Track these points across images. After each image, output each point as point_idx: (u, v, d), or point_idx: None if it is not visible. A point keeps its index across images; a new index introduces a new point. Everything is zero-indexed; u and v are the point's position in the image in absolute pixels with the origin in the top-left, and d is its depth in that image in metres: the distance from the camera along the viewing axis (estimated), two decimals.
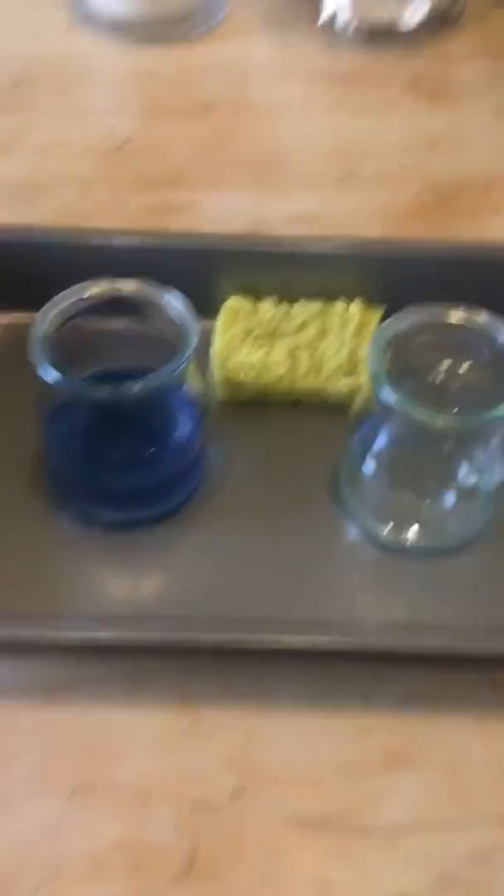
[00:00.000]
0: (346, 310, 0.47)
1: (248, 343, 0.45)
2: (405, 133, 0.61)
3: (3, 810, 0.34)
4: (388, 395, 0.36)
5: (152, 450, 0.40)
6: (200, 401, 0.41)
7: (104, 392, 0.35)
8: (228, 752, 0.35)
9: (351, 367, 0.45)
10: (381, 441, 0.40)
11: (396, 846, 0.33)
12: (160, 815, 0.33)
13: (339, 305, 0.47)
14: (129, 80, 0.64)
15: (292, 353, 0.45)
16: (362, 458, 0.40)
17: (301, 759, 0.35)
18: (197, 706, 0.36)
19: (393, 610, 0.39)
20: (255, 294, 0.48)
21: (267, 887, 0.32)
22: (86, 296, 0.39)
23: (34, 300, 0.43)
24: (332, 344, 0.45)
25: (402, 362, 0.40)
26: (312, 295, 0.47)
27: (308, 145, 0.60)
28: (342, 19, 0.66)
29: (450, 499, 0.41)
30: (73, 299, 0.38)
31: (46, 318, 0.37)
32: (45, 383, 0.36)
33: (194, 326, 0.38)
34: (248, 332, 0.45)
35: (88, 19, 0.67)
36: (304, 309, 0.47)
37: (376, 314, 0.47)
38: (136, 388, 0.36)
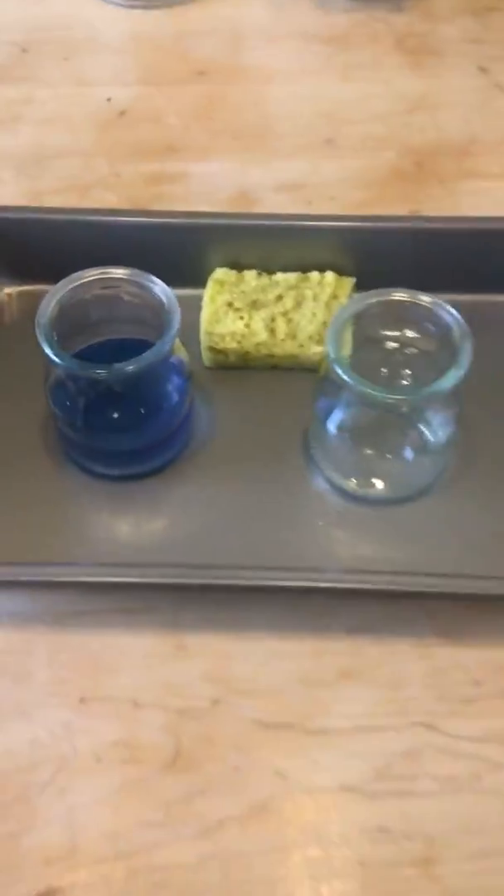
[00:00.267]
0: (321, 281, 0.52)
1: (231, 313, 0.51)
2: (388, 96, 0.64)
3: (23, 715, 0.41)
4: (345, 375, 0.41)
5: (144, 414, 0.46)
6: (187, 368, 0.47)
7: (100, 372, 0.41)
8: (207, 669, 0.42)
9: (322, 336, 0.50)
10: (341, 406, 0.45)
11: (342, 745, 0.40)
12: (151, 719, 0.41)
13: (315, 277, 0.52)
14: (128, 46, 0.68)
15: (271, 322, 0.50)
16: (326, 421, 0.46)
17: (267, 675, 0.42)
18: (182, 632, 0.43)
19: (352, 553, 0.45)
20: (239, 265, 0.53)
21: (236, 776, 0.40)
22: (82, 282, 0.44)
23: (45, 273, 0.50)
24: (306, 313, 0.51)
25: (361, 335, 0.46)
26: (291, 266, 0.52)
27: (294, 111, 0.63)
28: None
29: (407, 454, 0.47)
30: (71, 286, 0.44)
31: (49, 305, 0.43)
32: (49, 362, 0.42)
33: (177, 308, 0.44)
34: (230, 304, 0.51)
35: None
36: (284, 279, 0.52)
37: (348, 284, 0.52)
38: (127, 367, 0.41)
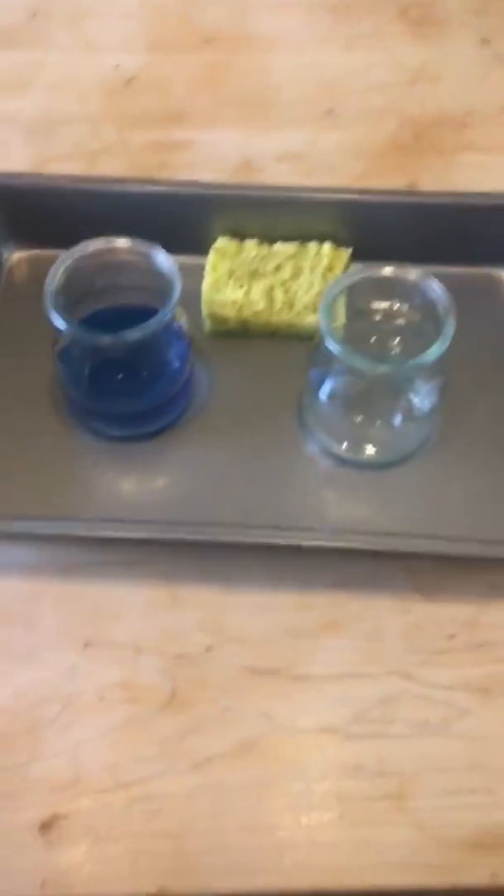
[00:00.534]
0: (318, 252, 0.54)
1: (232, 282, 0.53)
2: (390, 66, 0.66)
3: (32, 658, 0.45)
4: (334, 347, 0.44)
5: (146, 379, 0.48)
6: (187, 334, 0.49)
7: (105, 339, 0.44)
8: (201, 619, 0.45)
9: (318, 306, 0.52)
10: (333, 375, 0.48)
11: (324, 690, 0.44)
12: (149, 663, 0.44)
13: (312, 247, 0.54)
14: (136, 11, 0.69)
15: (269, 292, 0.53)
16: (318, 389, 0.48)
17: (257, 625, 0.45)
18: (178, 584, 0.46)
19: (341, 513, 0.48)
20: (241, 234, 0.55)
21: (226, 715, 0.43)
22: (87, 252, 0.46)
23: (53, 238, 0.52)
24: (303, 284, 0.53)
25: (352, 307, 0.48)
26: (290, 236, 0.54)
27: (297, 81, 0.65)
28: None
29: (396, 421, 0.49)
30: (76, 256, 0.46)
31: (55, 274, 0.45)
32: (56, 329, 0.45)
33: (178, 278, 0.46)
34: (231, 273, 0.53)
35: None
36: (283, 249, 0.54)
37: (344, 255, 0.54)
38: (130, 335, 0.44)
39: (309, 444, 0.50)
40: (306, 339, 0.52)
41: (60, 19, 0.68)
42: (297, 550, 0.46)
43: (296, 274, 0.53)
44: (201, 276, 0.53)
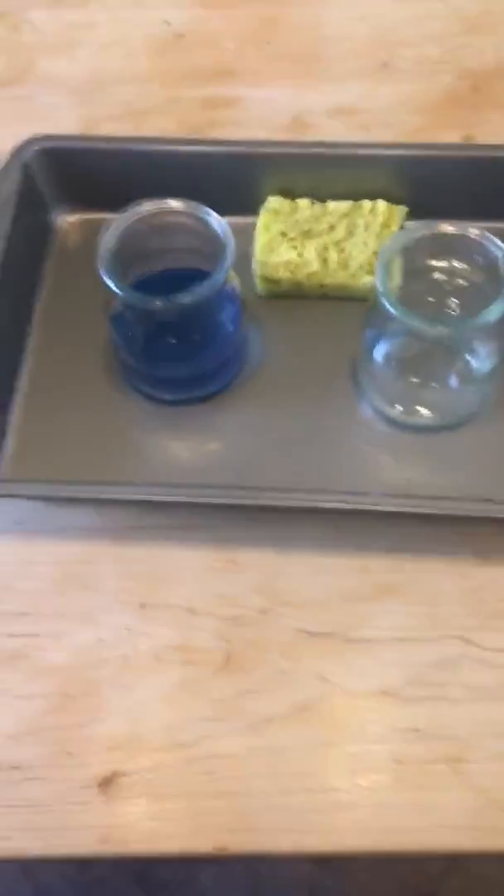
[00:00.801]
0: (372, 209, 0.53)
1: (285, 243, 0.52)
2: (445, 16, 0.63)
3: (92, 619, 0.45)
4: (392, 308, 0.43)
5: (199, 343, 0.48)
6: (240, 297, 0.49)
7: (157, 303, 0.44)
8: (257, 582, 0.46)
9: (373, 266, 0.51)
10: (388, 337, 0.47)
11: (380, 653, 0.44)
12: (205, 625, 0.45)
13: (366, 205, 0.53)
14: None
15: (323, 252, 0.52)
16: (373, 350, 0.48)
17: (312, 588, 0.45)
18: (234, 548, 0.46)
19: (396, 476, 0.48)
20: (293, 193, 0.54)
21: (282, 678, 0.43)
22: (141, 215, 0.46)
23: (105, 201, 0.52)
24: (357, 243, 0.52)
25: (409, 266, 0.47)
26: (344, 194, 0.53)
27: (350, 33, 0.63)
28: None
29: (453, 383, 0.49)
30: (130, 219, 0.46)
31: (109, 238, 0.45)
32: (109, 293, 0.44)
33: (231, 241, 0.45)
34: (284, 234, 0.52)
35: None
36: (336, 208, 0.53)
37: (399, 213, 0.53)
38: (183, 299, 0.44)
39: (363, 406, 0.50)
40: (360, 300, 0.51)
41: None
42: (352, 514, 0.46)
43: (350, 233, 0.52)
44: (252, 237, 0.52)
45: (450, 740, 0.42)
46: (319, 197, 0.54)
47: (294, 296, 0.53)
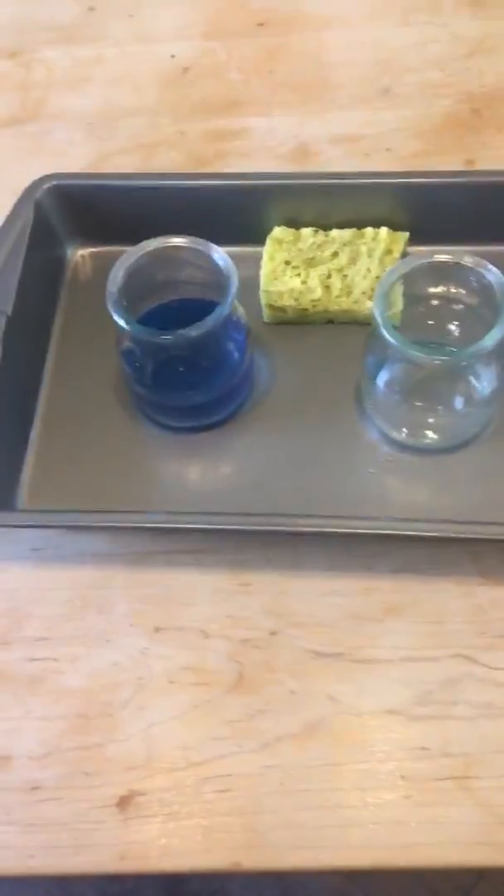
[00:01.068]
0: (375, 237, 0.54)
1: (289, 271, 0.53)
2: (447, 41, 0.64)
3: (106, 642, 0.47)
4: (391, 338, 0.44)
5: (207, 371, 0.49)
6: (246, 325, 0.50)
7: (165, 338, 0.45)
8: (267, 604, 0.47)
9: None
10: (390, 363, 0.48)
11: (388, 673, 0.45)
12: (217, 647, 0.46)
13: (369, 232, 0.54)
14: None
15: (326, 279, 0.53)
16: (376, 377, 0.49)
17: (321, 610, 0.46)
18: (244, 571, 0.48)
19: (403, 499, 0.49)
20: (297, 223, 0.55)
21: (292, 698, 0.45)
22: (146, 251, 0.48)
23: (115, 234, 0.54)
24: (360, 269, 0.53)
25: (409, 292, 0.48)
26: (347, 222, 0.55)
27: (352, 59, 0.64)
28: None
29: (458, 405, 0.49)
30: (136, 256, 0.47)
31: (117, 275, 0.47)
32: (120, 329, 0.46)
33: (234, 273, 0.47)
34: (288, 262, 0.54)
35: None
36: (339, 235, 0.54)
37: (402, 239, 0.54)
38: (190, 333, 0.45)
39: (369, 429, 0.51)
40: (365, 325, 0.52)
41: (117, 12, 0.69)
42: (361, 538, 0.47)
43: (353, 259, 0.53)
44: (259, 266, 0.54)
45: (457, 757, 0.43)
46: (324, 225, 0.55)
47: (300, 322, 0.54)
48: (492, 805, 0.42)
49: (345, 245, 0.54)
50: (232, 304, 0.47)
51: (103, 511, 0.48)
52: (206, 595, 0.47)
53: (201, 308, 0.46)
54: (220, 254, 0.47)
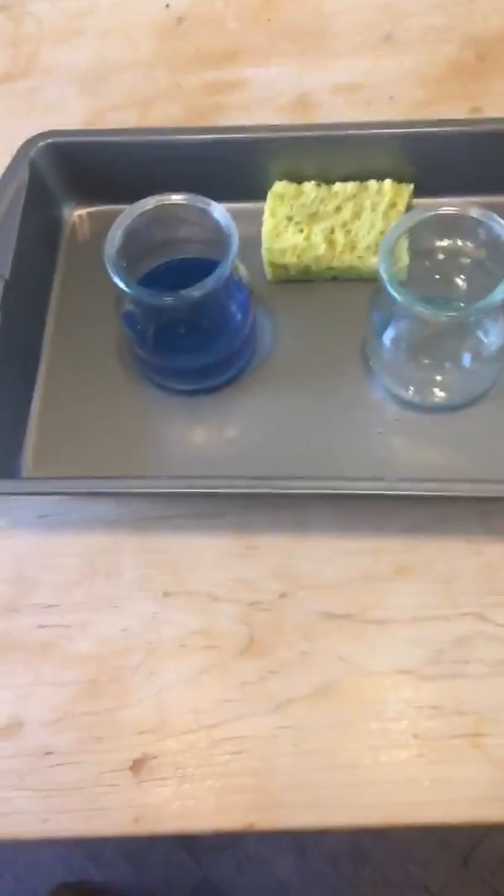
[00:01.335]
0: (379, 190, 0.53)
1: (291, 228, 0.52)
2: None
3: (116, 608, 0.47)
4: (396, 295, 0.43)
5: (210, 333, 0.48)
6: (248, 285, 0.49)
7: (166, 300, 0.44)
8: (275, 566, 0.47)
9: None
10: (396, 320, 0.47)
11: (398, 633, 0.45)
12: (226, 610, 0.46)
13: (373, 185, 0.53)
14: None
15: (330, 235, 0.52)
16: (382, 334, 0.48)
17: (329, 571, 0.46)
18: (251, 534, 0.47)
19: (410, 458, 0.48)
20: (299, 177, 0.54)
21: (303, 659, 0.45)
22: (143, 211, 0.46)
23: (112, 193, 0.53)
24: (364, 224, 0.52)
25: (415, 247, 0.47)
26: (350, 175, 0.53)
27: (352, 5, 0.62)
28: None
29: (466, 362, 0.48)
30: (133, 215, 0.46)
31: (115, 236, 0.46)
32: (119, 291, 0.45)
33: (235, 231, 0.45)
34: (290, 218, 0.52)
35: None
36: (342, 189, 0.53)
37: (406, 191, 0.53)
38: (191, 293, 0.44)
39: (376, 389, 0.50)
40: (370, 281, 0.51)
41: None
42: (368, 498, 0.46)
43: (357, 214, 0.52)
44: (261, 222, 0.52)
45: (469, 715, 0.43)
46: (327, 178, 0.53)
47: (303, 280, 0.53)
48: (502, 760, 0.42)
49: (348, 199, 0.53)
50: (233, 264, 0.46)
51: (109, 477, 0.48)
52: (213, 559, 0.47)
53: (203, 267, 0.45)
54: (220, 211, 0.46)
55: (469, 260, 0.47)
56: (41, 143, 0.54)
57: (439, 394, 0.49)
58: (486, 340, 0.48)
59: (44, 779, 0.43)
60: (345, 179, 0.53)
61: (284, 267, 0.52)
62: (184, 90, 0.61)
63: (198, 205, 0.46)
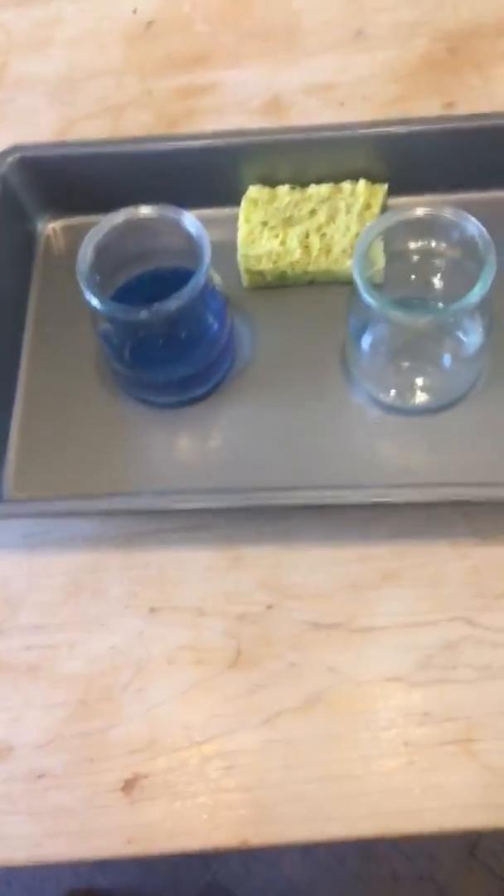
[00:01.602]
0: (353, 191, 0.52)
1: (266, 233, 0.52)
2: None
3: (102, 625, 0.46)
4: (371, 301, 0.42)
5: (187, 344, 0.48)
6: (224, 294, 0.49)
7: (141, 314, 0.44)
8: (261, 578, 0.46)
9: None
10: (373, 324, 0.47)
11: (387, 640, 0.44)
12: (213, 624, 0.46)
13: (347, 187, 0.52)
14: None
15: (305, 239, 0.51)
16: (360, 338, 0.47)
17: (316, 580, 0.46)
18: (237, 546, 0.47)
19: (393, 462, 0.48)
20: (273, 180, 0.53)
21: (292, 671, 0.44)
22: (114, 225, 0.46)
23: (86, 204, 0.52)
24: (339, 227, 0.51)
25: (390, 249, 0.47)
26: (324, 176, 0.53)
27: (321, 4, 0.61)
28: None
29: (446, 362, 0.48)
30: (104, 230, 0.46)
31: (86, 253, 0.45)
32: (93, 308, 0.45)
33: (207, 241, 0.45)
34: (265, 223, 0.52)
35: None
36: (316, 192, 0.52)
37: (380, 192, 0.52)
38: (166, 306, 0.44)
39: (357, 394, 0.49)
40: (347, 284, 0.50)
41: None
42: (353, 506, 0.46)
43: (331, 217, 0.52)
44: (236, 228, 0.52)
45: (459, 721, 0.42)
46: (301, 181, 0.53)
47: (280, 285, 0.53)
48: (495, 767, 0.42)
49: (322, 202, 0.52)
50: (207, 273, 0.45)
51: (91, 496, 0.47)
52: (199, 572, 0.47)
53: (179, 276, 0.44)
54: (191, 220, 0.45)
55: (444, 260, 0.46)
56: (11, 158, 0.53)
57: (421, 396, 0.48)
58: (465, 340, 0.47)
59: (36, 802, 0.43)
60: (319, 181, 0.53)
61: (260, 273, 0.52)
62: (155, 96, 0.60)
63: (168, 214, 0.46)
